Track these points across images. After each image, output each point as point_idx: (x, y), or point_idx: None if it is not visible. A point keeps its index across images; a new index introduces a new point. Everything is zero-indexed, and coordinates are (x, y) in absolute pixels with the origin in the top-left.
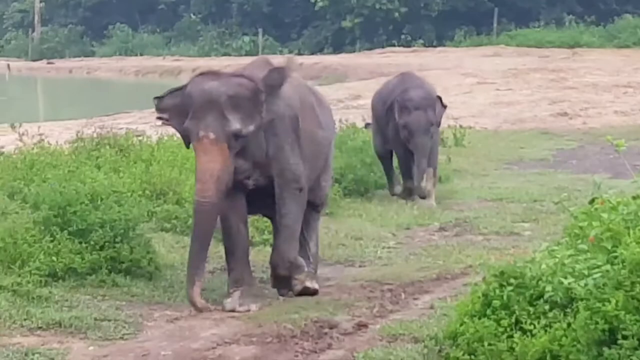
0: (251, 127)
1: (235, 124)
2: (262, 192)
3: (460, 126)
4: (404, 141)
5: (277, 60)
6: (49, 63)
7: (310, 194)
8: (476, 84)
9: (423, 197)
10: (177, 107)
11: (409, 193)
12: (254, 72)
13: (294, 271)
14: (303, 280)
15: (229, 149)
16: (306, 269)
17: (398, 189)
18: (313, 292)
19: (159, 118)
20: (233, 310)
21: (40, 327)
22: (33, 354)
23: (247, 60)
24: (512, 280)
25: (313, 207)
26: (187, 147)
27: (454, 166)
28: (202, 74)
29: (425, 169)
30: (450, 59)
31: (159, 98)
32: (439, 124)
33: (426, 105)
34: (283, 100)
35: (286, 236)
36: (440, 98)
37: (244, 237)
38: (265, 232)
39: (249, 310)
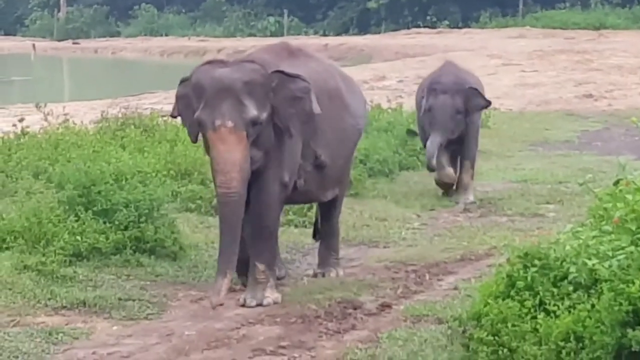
0: (265, 114)
1: (253, 111)
2: None
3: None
4: (427, 130)
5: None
6: (74, 43)
7: (336, 185)
8: (501, 66)
9: (432, 170)
10: (185, 98)
11: (443, 185)
12: (265, 57)
13: (270, 276)
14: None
15: (247, 137)
16: (275, 278)
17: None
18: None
19: (172, 115)
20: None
21: (64, 307)
22: (57, 333)
23: (273, 41)
24: (536, 262)
25: (337, 200)
26: (194, 140)
27: (479, 147)
28: (208, 62)
29: (438, 143)
30: (475, 40)
31: (184, 80)
32: (473, 116)
33: (455, 91)
34: (292, 84)
35: (265, 237)
36: (478, 91)
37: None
38: (290, 212)
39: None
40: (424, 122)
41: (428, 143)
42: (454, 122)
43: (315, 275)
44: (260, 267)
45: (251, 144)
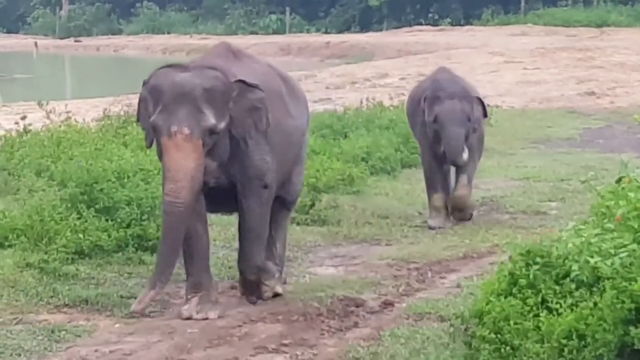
0: (223, 124)
1: (211, 119)
2: (223, 190)
3: (488, 105)
4: (432, 144)
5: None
6: (76, 41)
7: (280, 190)
8: (503, 63)
9: (461, 211)
10: (144, 102)
11: (438, 212)
12: (219, 63)
13: (263, 276)
14: (273, 287)
15: (203, 146)
16: (276, 275)
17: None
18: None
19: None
20: (190, 318)
21: (66, 304)
22: (60, 331)
23: (274, 39)
24: (538, 259)
25: (283, 204)
26: (149, 145)
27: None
28: (167, 66)
29: (463, 135)
30: (477, 37)
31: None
32: (475, 129)
33: (462, 96)
34: (251, 94)
35: (251, 239)
36: (481, 101)
37: (203, 240)
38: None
39: (206, 318)
40: (427, 134)
41: (451, 138)
42: (464, 129)
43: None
44: (254, 269)
45: (206, 154)
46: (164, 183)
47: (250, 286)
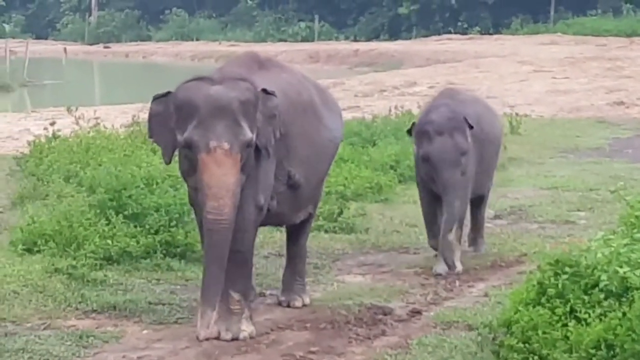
0: (254, 136)
1: (248, 132)
2: None
3: (517, 114)
4: (426, 180)
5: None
6: (105, 47)
7: (309, 202)
8: (532, 72)
9: (449, 262)
10: (160, 116)
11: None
12: (244, 73)
13: (245, 306)
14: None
15: (240, 161)
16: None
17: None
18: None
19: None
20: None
21: (95, 310)
22: (87, 337)
23: (303, 46)
24: (567, 269)
25: (309, 220)
26: (169, 161)
27: (510, 154)
28: (193, 79)
29: (453, 214)
30: (506, 46)
31: (159, 97)
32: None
33: (452, 128)
34: (269, 102)
35: (239, 263)
36: (466, 120)
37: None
38: (320, 218)
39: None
40: (421, 172)
41: (444, 216)
42: (459, 169)
43: (279, 303)
44: (235, 296)
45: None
46: (203, 201)
47: (226, 314)
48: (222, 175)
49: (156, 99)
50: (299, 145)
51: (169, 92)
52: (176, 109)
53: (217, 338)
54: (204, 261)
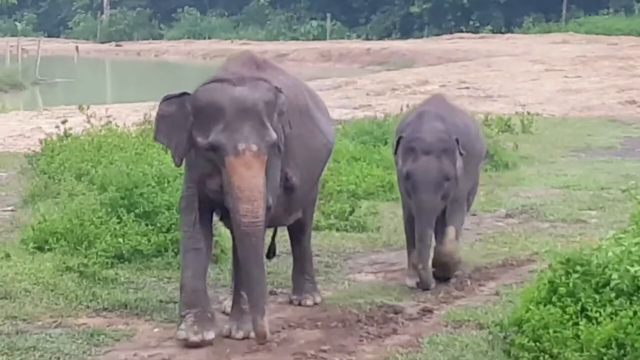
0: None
1: (273, 133)
2: None
3: (528, 113)
4: (406, 197)
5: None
6: (117, 45)
7: (300, 206)
8: (544, 71)
9: (445, 270)
10: (172, 117)
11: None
12: (242, 71)
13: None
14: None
15: (266, 162)
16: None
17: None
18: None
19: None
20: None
21: (106, 309)
22: (99, 335)
23: (315, 45)
24: (578, 268)
25: (307, 222)
26: (179, 164)
27: (521, 153)
28: (214, 80)
29: (426, 241)
30: (518, 45)
31: (169, 98)
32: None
33: (441, 150)
34: (280, 99)
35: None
36: (458, 141)
37: (203, 255)
38: (331, 216)
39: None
40: (404, 188)
41: (416, 239)
42: (439, 194)
43: (290, 302)
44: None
45: None
46: (236, 204)
47: (238, 313)
48: (252, 177)
49: (167, 99)
50: (295, 147)
51: (183, 93)
52: (196, 111)
53: (229, 336)
54: (243, 265)
